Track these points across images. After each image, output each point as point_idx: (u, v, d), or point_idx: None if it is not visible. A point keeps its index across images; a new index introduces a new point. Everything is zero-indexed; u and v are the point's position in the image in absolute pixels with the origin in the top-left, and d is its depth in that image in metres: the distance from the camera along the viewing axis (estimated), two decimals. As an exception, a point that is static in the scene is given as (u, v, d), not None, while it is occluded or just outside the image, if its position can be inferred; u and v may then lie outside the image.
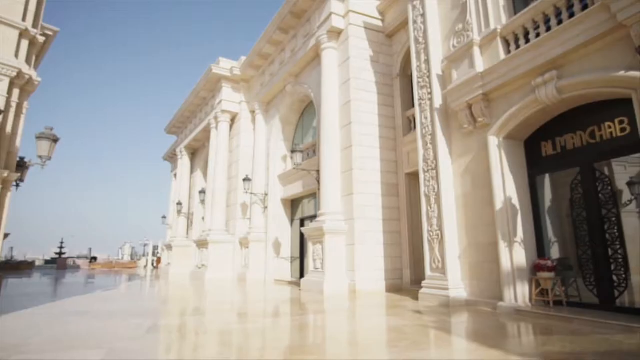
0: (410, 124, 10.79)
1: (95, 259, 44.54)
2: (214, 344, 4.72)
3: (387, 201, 10.57)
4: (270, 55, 15.48)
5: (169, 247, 22.21)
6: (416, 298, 8.09)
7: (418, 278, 9.45)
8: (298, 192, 14.12)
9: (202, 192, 19.84)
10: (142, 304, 9.21)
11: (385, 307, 7.49)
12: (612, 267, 5.78)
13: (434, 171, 8.03)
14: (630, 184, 7.42)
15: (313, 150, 13.39)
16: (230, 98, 17.73)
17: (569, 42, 5.83)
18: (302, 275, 13.29)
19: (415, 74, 8.95)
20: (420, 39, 8.90)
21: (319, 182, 11.27)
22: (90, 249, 60.90)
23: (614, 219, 5.91)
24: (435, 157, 8.04)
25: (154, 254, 37.78)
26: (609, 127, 5.92)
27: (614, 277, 5.75)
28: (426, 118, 8.45)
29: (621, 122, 5.75)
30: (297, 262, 14.49)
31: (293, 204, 15.41)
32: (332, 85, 11.43)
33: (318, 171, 11.40)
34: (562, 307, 6.18)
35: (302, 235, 12.73)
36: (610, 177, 6.17)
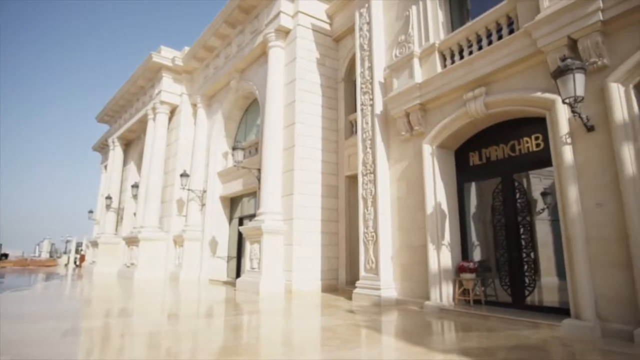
0: (352, 128, 11.07)
1: (5, 256, 39.98)
2: (141, 346, 4.48)
3: (326, 202, 10.74)
4: (216, 49, 15.04)
5: (95, 243, 20.65)
6: (350, 298, 8.30)
7: (353, 278, 9.70)
8: (238, 190, 13.85)
9: (135, 186, 18.69)
10: (59, 305, 8.46)
11: (320, 307, 7.60)
12: (525, 269, 6.38)
13: (372, 175, 8.31)
14: (543, 195, 8.24)
15: (255, 149, 13.22)
16: (170, 89, 16.93)
17: (497, 62, 6.34)
18: (238, 275, 13.06)
19: (358, 80, 9.20)
20: (365, 46, 9.17)
21: (259, 180, 11.15)
22: (-1, 245, 54.64)
23: (527, 225, 6.53)
24: (374, 162, 8.33)
25: (77, 251, 34.90)
26: (527, 142, 6.54)
27: (526, 279, 6.35)
28: (367, 123, 8.72)
29: (537, 139, 6.37)
30: (234, 262, 14.21)
31: (232, 202, 15.09)
32: (277, 84, 11.37)
33: (259, 170, 11.27)
34: (480, 306, 6.69)
35: (240, 234, 12.51)
36: (527, 188, 6.81)
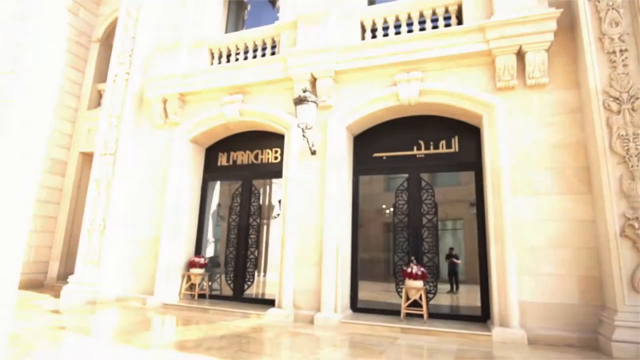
0: (99, 99, 9.60)
1: None
2: None
3: (49, 179, 8.82)
4: None
5: None
6: (59, 295, 7.05)
7: (70, 272, 8.29)
8: None
9: None
10: None
11: (12, 309, 6.11)
12: (247, 265, 7.08)
13: (112, 157, 7.41)
14: (280, 202, 9.44)
15: (-55, 91, 9.52)
16: None
17: (256, 75, 6.84)
18: None
19: (117, 48, 8.11)
20: (133, 13, 8.21)
21: (-58, 136, 8.05)
22: None
23: (257, 227, 7.30)
24: (117, 142, 7.46)
25: None
26: (268, 153, 7.34)
27: (247, 274, 7.06)
28: (117, 98, 7.74)
29: (276, 152, 7.26)
30: None
31: None
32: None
33: (-55, 121, 8.16)
34: (204, 300, 6.96)
35: None
36: (267, 194, 7.63)
